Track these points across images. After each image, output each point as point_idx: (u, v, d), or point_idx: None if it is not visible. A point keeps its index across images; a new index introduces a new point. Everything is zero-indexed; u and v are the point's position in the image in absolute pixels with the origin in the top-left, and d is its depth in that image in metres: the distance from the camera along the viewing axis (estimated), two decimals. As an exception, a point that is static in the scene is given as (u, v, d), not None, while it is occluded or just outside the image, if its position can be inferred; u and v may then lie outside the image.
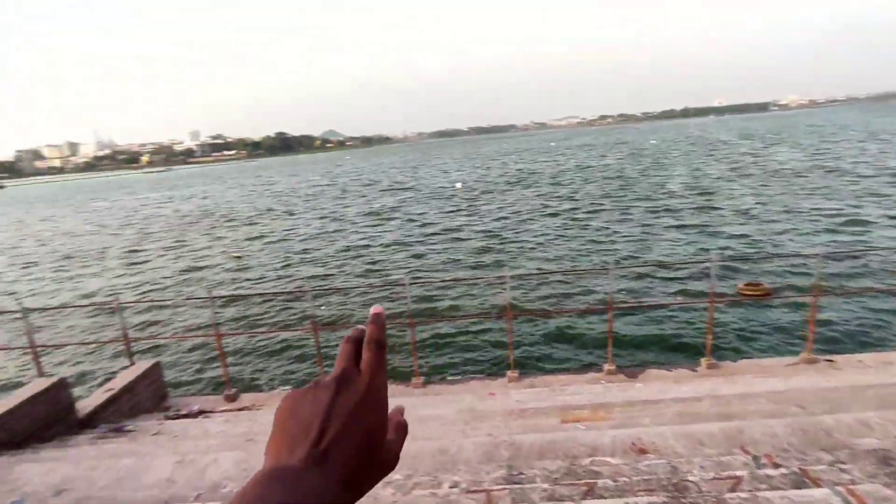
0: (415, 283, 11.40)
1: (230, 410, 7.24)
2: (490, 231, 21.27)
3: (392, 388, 7.34)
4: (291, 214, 33.62)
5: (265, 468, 0.41)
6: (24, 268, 23.61)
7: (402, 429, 0.50)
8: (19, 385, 9.16)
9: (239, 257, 20.96)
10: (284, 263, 19.04)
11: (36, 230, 39.62)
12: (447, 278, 13.23)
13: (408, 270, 15.78)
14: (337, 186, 54.61)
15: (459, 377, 7.99)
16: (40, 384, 6.34)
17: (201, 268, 19.72)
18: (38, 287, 19.17)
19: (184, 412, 7.40)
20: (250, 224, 30.75)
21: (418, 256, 17.87)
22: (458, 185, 41.38)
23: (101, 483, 4.25)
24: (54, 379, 6.42)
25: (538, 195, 31.80)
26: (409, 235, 22.17)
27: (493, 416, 5.44)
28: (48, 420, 6.10)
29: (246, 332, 10.70)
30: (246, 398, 7.76)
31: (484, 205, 29.23)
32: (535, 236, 19.46)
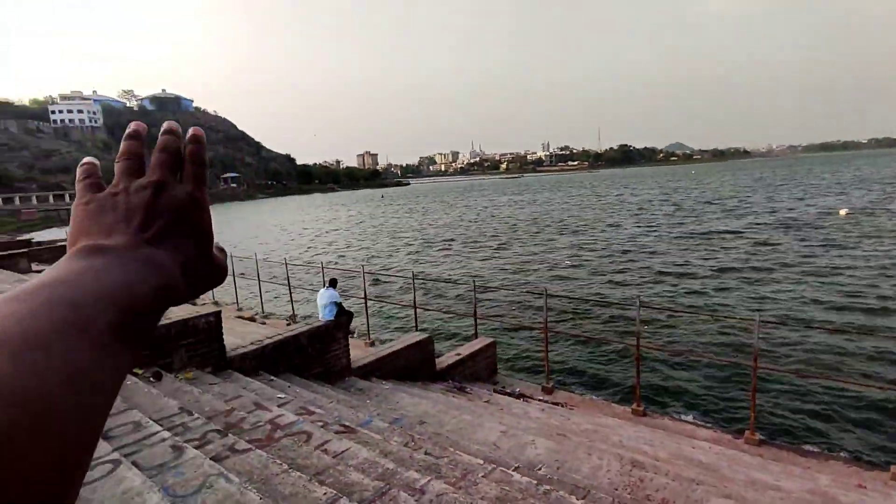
0: (768, 324, 9.67)
1: (546, 402, 7.80)
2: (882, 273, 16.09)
3: (723, 438, 6.49)
4: (616, 226, 33.34)
5: (81, 245, 0.36)
6: (427, 246, 31.01)
7: (222, 250, 0.46)
8: (401, 330, 12.34)
9: (571, 263, 22.19)
10: (610, 272, 19.10)
11: (428, 220, 51.39)
12: (814, 325, 10.69)
13: (750, 306, 13.52)
14: (669, 202, 51.07)
15: (815, 448, 6.41)
16: (417, 336, 8.28)
17: (531, 265, 21.75)
18: (427, 259, 24.96)
19: (508, 390, 8.39)
20: (574, 232, 32.05)
21: (766, 297, 15.04)
22: (843, 211, 32.66)
23: (448, 427, 5.25)
24: (425, 335, 8.25)
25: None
26: (748, 264, 18.91)
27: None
28: (418, 365, 7.90)
29: (572, 333, 11.26)
30: (561, 395, 8.21)
31: (876, 239, 22.23)
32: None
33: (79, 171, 0.43)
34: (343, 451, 3.27)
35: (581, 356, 10.89)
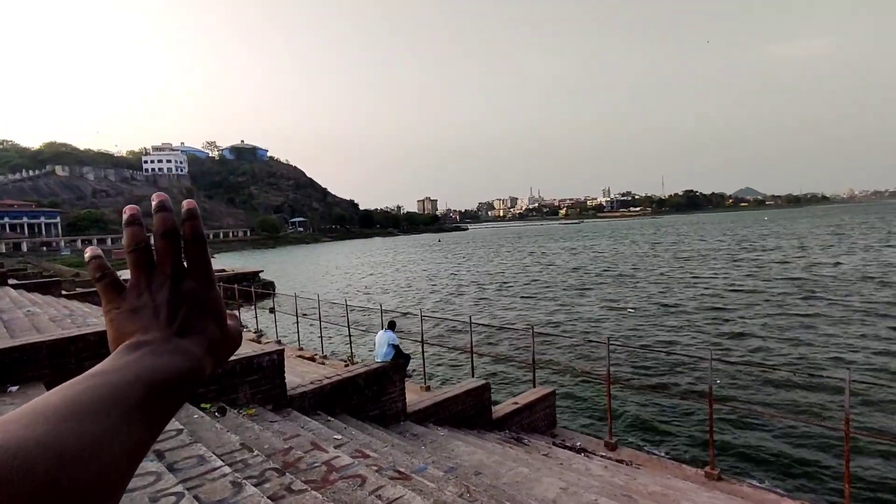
0: (861, 383, 8.73)
1: (609, 458, 7.32)
2: None
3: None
4: (689, 277, 31.75)
5: (125, 344, 0.43)
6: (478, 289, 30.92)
7: (235, 317, 0.52)
8: (456, 375, 12.16)
9: (633, 310, 21.28)
10: (679, 323, 18.09)
11: (497, 262, 51.35)
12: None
13: (838, 364, 12.28)
14: (723, 250, 48.25)
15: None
16: (473, 383, 8.11)
17: (590, 313, 21.00)
18: (483, 306, 24.80)
19: (568, 444, 7.96)
20: (634, 278, 30.80)
21: (853, 351, 13.64)
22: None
23: (504, 479, 5.02)
24: (482, 382, 8.07)
25: None
26: (831, 316, 17.30)
27: None
28: (474, 412, 7.70)
29: (637, 387, 10.65)
30: (625, 452, 7.69)
31: None
32: None
33: (90, 267, 0.48)
34: (397, 499, 3.19)
35: (647, 410, 10.24)
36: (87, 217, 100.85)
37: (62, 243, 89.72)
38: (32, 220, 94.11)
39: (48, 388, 3.54)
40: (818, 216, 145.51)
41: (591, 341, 13.69)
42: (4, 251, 74.49)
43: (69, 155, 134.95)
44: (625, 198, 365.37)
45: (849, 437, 5.71)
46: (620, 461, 7.27)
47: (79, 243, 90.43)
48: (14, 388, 3.54)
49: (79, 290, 18.50)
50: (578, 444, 7.99)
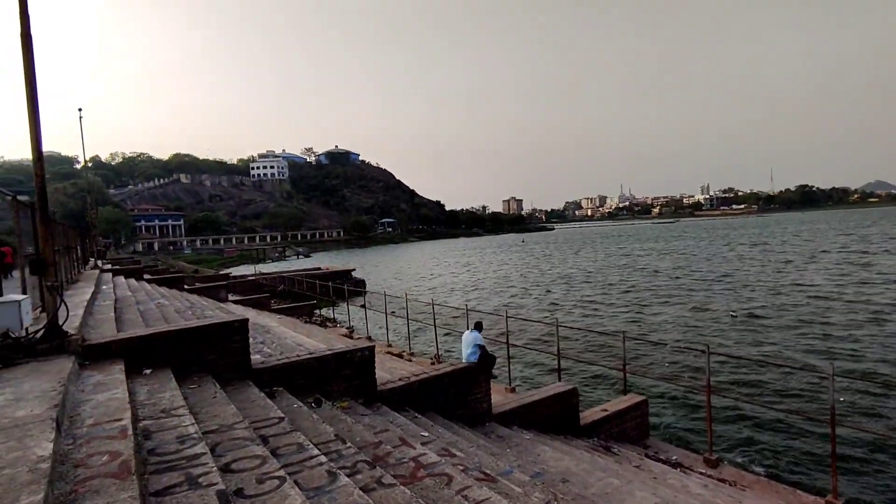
0: None
1: (710, 476, 6.81)
2: None
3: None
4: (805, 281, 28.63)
5: None
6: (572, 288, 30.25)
7: None
8: (541, 377, 11.94)
9: (735, 315, 19.63)
10: (797, 332, 16.39)
11: (537, 264, 50.04)
12: None
13: None
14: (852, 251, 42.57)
15: None
16: (559, 387, 7.91)
17: (686, 320, 19.62)
18: (562, 304, 24.20)
19: (662, 457, 7.52)
20: (725, 283, 28.23)
21: None
22: None
23: (593, 490, 4.85)
24: (570, 386, 7.86)
25: None
26: None
27: None
28: (560, 417, 7.51)
29: (741, 398, 9.80)
30: (728, 471, 7.11)
31: None
32: None
33: None
34: (483, 500, 3.19)
35: (753, 427, 9.39)
36: (205, 219, 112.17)
37: (185, 242, 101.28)
38: (162, 223, 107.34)
39: (174, 372, 3.98)
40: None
41: (688, 348, 12.82)
42: (141, 250, 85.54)
43: (191, 164, 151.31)
44: (726, 194, 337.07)
45: None
46: (723, 480, 6.74)
47: (197, 243, 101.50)
48: (148, 371, 4.02)
49: (198, 284, 20.59)
50: (674, 457, 7.52)
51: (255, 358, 5.42)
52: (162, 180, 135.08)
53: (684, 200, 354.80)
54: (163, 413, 3.16)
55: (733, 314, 19.88)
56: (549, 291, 30.79)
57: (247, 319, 4.88)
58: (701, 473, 6.93)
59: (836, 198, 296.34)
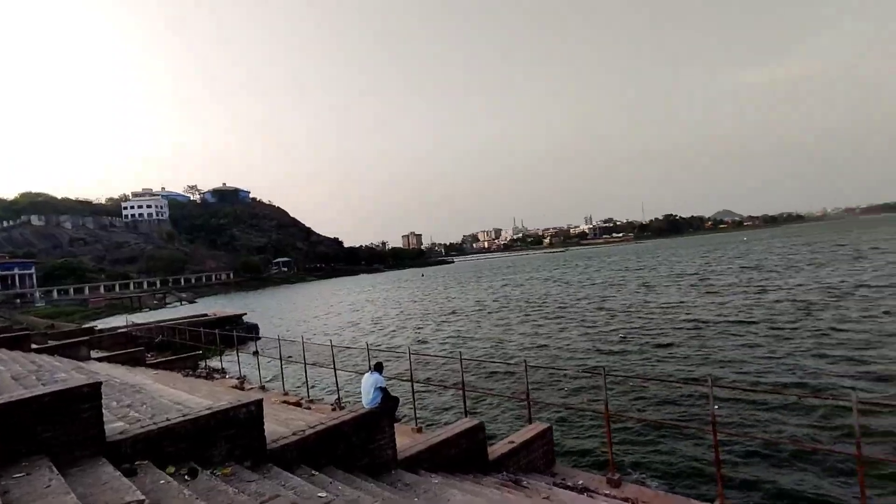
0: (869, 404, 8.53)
1: (613, 497, 6.94)
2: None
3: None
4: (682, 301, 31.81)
5: None
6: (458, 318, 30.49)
7: None
8: (448, 413, 11.70)
9: (624, 337, 21.06)
10: (675, 350, 17.88)
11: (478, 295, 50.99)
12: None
13: (843, 382, 12.12)
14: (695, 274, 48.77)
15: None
16: (466, 423, 7.70)
17: (579, 344, 20.71)
18: (464, 332, 24.38)
19: (569, 483, 7.56)
20: (609, 303, 30.75)
21: (865, 369, 13.52)
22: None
23: (506, 531, 4.64)
24: (476, 421, 7.67)
25: None
26: (838, 332, 17.29)
27: None
28: (468, 454, 7.28)
29: (636, 417, 10.29)
30: (630, 489, 7.31)
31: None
32: None
33: None
34: (389, 569, 2.83)
35: (648, 442, 9.89)
36: (64, 266, 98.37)
37: (37, 294, 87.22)
38: (5, 272, 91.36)
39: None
40: (808, 234, 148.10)
41: (586, 373, 13.37)
42: (-25, 305, 72.13)
43: (46, 204, 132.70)
44: (607, 224, 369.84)
45: (862, 463, 5.45)
46: (626, 499, 6.89)
47: (55, 293, 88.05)
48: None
49: (51, 342, 17.74)
50: (580, 482, 7.59)
51: (116, 426, 4.58)
52: (7, 223, 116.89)
53: (571, 230, 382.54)
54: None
55: (622, 336, 21.31)
56: (446, 323, 30.96)
57: (99, 383, 4.08)
58: (605, 495, 7.04)
59: (695, 225, 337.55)
